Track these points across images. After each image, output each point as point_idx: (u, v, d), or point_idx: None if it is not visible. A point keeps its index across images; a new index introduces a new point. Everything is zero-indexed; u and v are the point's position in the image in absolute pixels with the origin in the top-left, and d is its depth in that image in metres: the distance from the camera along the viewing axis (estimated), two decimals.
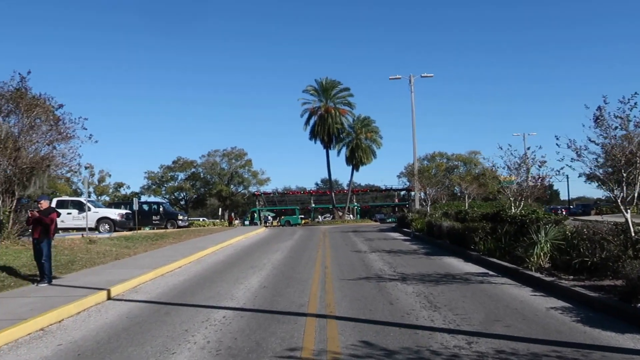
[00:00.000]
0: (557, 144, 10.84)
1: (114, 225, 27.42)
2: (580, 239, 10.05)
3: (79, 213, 27.27)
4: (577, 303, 7.74)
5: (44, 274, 10.75)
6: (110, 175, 77.52)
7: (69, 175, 18.17)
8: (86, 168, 77.05)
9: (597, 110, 10.13)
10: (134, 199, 26.34)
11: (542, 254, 10.48)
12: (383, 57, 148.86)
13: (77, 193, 77.71)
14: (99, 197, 75.91)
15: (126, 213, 28.23)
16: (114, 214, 27.78)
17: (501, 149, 16.53)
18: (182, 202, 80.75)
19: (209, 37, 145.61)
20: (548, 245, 10.56)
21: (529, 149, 16.97)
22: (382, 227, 37.89)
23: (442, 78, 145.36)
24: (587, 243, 9.72)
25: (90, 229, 27.32)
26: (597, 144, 10.10)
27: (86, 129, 17.52)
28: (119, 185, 79.04)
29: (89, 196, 76.80)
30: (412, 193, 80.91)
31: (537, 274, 9.86)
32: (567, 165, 10.94)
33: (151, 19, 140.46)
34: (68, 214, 27.19)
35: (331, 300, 8.56)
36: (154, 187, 77.98)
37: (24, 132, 16.56)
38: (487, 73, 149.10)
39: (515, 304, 7.95)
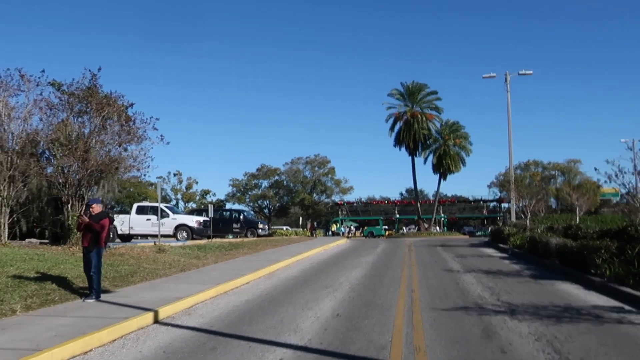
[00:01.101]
0: None
1: (192, 232, 26.77)
2: None
3: (157, 219, 26.87)
4: None
5: (92, 287, 9.59)
6: (197, 183, 79.14)
7: (142, 178, 17.21)
8: (175, 175, 79.49)
9: None
10: (210, 206, 25.53)
11: None
12: (472, 57, 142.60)
13: (167, 199, 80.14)
14: (187, 204, 77.78)
15: (204, 220, 27.51)
16: (192, 221, 27.15)
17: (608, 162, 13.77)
18: (265, 210, 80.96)
19: (292, 45, 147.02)
20: None
21: None
22: (472, 241, 34.95)
23: (536, 77, 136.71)
24: None
25: (169, 236, 26.92)
26: None
27: (157, 129, 16.69)
28: (206, 192, 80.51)
29: (177, 203, 78.97)
30: (504, 205, 76.26)
31: None
32: None
33: (235, 25, 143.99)
34: (147, 220, 26.89)
35: (421, 341, 6.59)
36: (238, 194, 78.68)
37: (95, 132, 15.89)
38: (589, 71, 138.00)
39: None
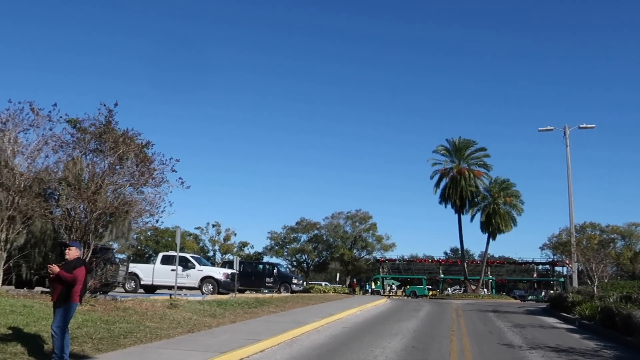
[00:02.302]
0: None
1: (218, 285, 24.80)
2: None
3: (183, 270, 25.07)
4: None
5: (53, 352, 7.66)
6: (235, 234, 77.75)
7: (156, 224, 15.44)
8: (213, 226, 78.46)
9: None
10: (235, 258, 23.63)
11: None
12: (523, 113, 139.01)
13: (204, 250, 78.96)
14: (224, 256, 76.21)
15: (232, 273, 25.53)
16: (219, 273, 25.24)
17: None
18: (304, 265, 78.54)
19: (334, 102, 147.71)
20: None
21: None
22: (526, 307, 31.57)
23: (591, 135, 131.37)
24: None
25: (194, 289, 25.05)
26: None
27: (176, 171, 14.99)
28: (244, 244, 78.95)
29: (214, 254, 77.44)
30: (558, 268, 71.39)
31: None
32: None
33: (281, 81, 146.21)
34: (172, 270, 25.08)
35: None
36: (276, 247, 76.75)
37: (107, 172, 14.36)
38: None
39: None
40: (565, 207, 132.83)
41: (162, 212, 14.88)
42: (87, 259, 14.17)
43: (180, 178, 15.15)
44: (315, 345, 11.48)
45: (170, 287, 25.43)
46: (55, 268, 7.80)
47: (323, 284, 62.19)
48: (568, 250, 61.97)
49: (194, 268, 25.16)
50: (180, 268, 25.05)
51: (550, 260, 71.38)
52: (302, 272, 78.52)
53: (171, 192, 15.40)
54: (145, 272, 25.72)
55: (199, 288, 24.87)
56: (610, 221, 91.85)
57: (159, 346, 9.85)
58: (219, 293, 24.38)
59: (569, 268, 68.77)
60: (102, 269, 15.19)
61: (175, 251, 20.72)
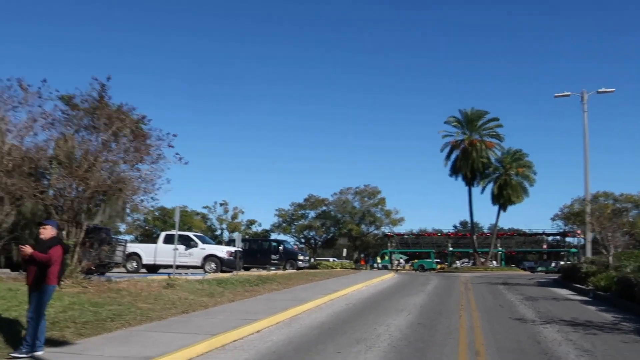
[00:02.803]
0: None
1: (221, 264, 24.27)
2: None
3: (185, 249, 24.59)
4: None
5: (26, 337, 7.09)
6: (243, 212, 77.34)
7: (150, 203, 14.76)
8: (221, 205, 78.08)
9: None
10: (237, 235, 23.08)
11: None
12: (538, 84, 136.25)
13: (212, 229, 78.77)
14: (232, 234, 76.01)
15: (236, 251, 24.97)
16: (222, 251, 24.67)
17: None
18: (312, 242, 78.22)
19: (343, 70, 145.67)
20: None
21: None
22: (537, 278, 30.94)
23: (608, 103, 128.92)
24: None
25: (197, 267, 24.56)
26: None
27: (173, 147, 14.26)
28: (251, 222, 78.61)
29: (222, 233, 77.23)
30: (569, 239, 70.50)
31: None
32: None
33: (285, 50, 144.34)
34: (175, 249, 24.60)
35: None
36: (284, 225, 76.36)
37: (100, 150, 13.67)
38: None
39: None
40: (578, 177, 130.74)
41: (158, 189, 14.18)
42: (80, 239, 13.63)
43: (177, 154, 14.44)
44: (315, 324, 10.87)
45: (170, 267, 25.01)
46: (28, 249, 7.21)
47: (331, 259, 61.88)
48: (580, 220, 61.23)
49: (197, 247, 24.63)
50: (182, 247, 24.58)
51: (561, 231, 70.51)
52: (310, 248, 78.27)
53: (169, 168, 14.73)
54: (147, 251, 25.24)
55: (202, 267, 24.37)
56: (624, 189, 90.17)
57: (148, 329, 9.26)
58: (222, 271, 23.87)
59: (581, 238, 68.04)
60: (97, 249, 14.59)
61: (176, 230, 20.10)
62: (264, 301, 13.94)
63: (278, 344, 8.66)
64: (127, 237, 71.64)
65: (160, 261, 25.12)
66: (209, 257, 24.40)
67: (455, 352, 7.84)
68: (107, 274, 18.39)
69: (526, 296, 17.29)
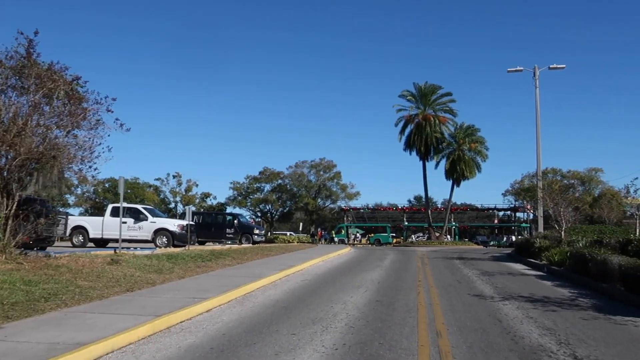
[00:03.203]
0: None
1: (173, 238, 23.40)
2: None
3: (134, 222, 23.58)
4: None
5: None
6: (197, 185, 75.94)
7: (89, 173, 13.70)
8: (174, 177, 76.14)
9: None
10: (188, 208, 22.18)
11: None
12: (491, 59, 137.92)
13: (165, 202, 76.96)
14: (185, 207, 74.43)
15: (188, 224, 24.12)
16: (173, 225, 23.78)
17: None
18: (268, 215, 77.61)
19: (299, 49, 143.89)
20: None
21: None
22: (491, 252, 31.41)
23: (558, 79, 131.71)
24: None
25: (147, 242, 23.63)
26: None
27: (112, 112, 13.25)
28: (206, 195, 77.38)
29: (175, 206, 75.49)
30: (519, 214, 72.38)
31: None
32: None
33: (239, 31, 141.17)
34: (123, 223, 23.53)
35: None
36: (239, 198, 75.39)
37: (30, 113, 12.53)
38: (617, 77, 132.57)
39: None
40: (529, 152, 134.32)
41: (97, 157, 13.18)
42: (12, 211, 12.57)
43: (117, 119, 13.44)
44: (269, 302, 10.33)
45: (123, 241, 23.98)
46: None
47: (288, 233, 61.54)
48: (531, 195, 62.73)
49: (147, 220, 23.66)
50: (131, 220, 23.60)
51: (512, 206, 72.36)
52: (266, 222, 77.68)
53: (109, 135, 13.71)
54: (94, 225, 24.08)
55: (153, 241, 23.46)
56: (570, 167, 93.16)
57: (86, 310, 8.49)
58: (174, 246, 23.06)
59: (530, 214, 69.91)
60: (33, 222, 13.54)
61: (120, 201, 19.08)
62: (216, 278, 13.30)
63: (229, 324, 8.07)
64: (77, 210, 69.24)
65: (108, 235, 24.04)
66: (160, 231, 23.50)
67: (415, 333, 7.45)
68: (49, 249, 17.33)
69: (482, 271, 17.27)
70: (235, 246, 26.35)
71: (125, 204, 26.35)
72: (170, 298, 9.83)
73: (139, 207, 25.17)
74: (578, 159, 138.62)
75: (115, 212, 23.96)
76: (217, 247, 24.28)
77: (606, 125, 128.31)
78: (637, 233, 17.36)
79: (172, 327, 7.83)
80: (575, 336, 7.32)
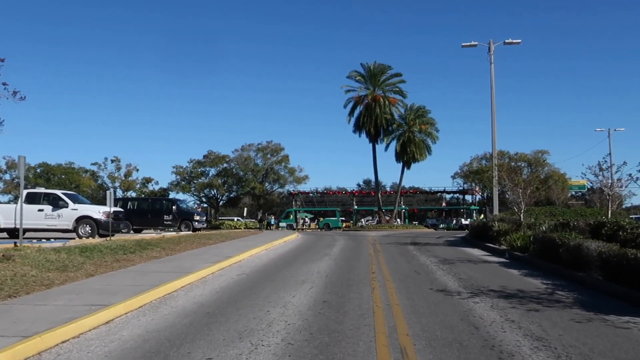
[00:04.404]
0: None
1: (98, 226, 20.85)
2: None
3: (53, 210, 20.88)
4: None
5: None
6: (137, 170, 72.16)
7: None
8: (112, 161, 71.97)
9: None
10: (108, 194, 19.67)
11: None
12: (443, 40, 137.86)
13: (103, 188, 72.78)
14: (126, 193, 70.62)
15: (115, 211, 21.59)
16: (98, 212, 21.17)
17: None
18: (214, 201, 74.80)
19: (245, 21, 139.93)
20: None
21: None
22: (445, 237, 30.29)
23: (515, 55, 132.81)
24: None
25: (68, 231, 20.99)
26: None
27: None
28: (147, 180, 73.70)
29: (115, 192, 71.60)
30: (468, 197, 72.54)
31: None
32: None
33: (188, 17, 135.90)
34: (39, 211, 20.80)
35: None
36: (183, 183, 72.16)
37: None
38: (563, 59, 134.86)
39: None
40: (479, 134, 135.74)
41: None
42: None
43: (5, 84, 10.98)
44: (191, 306, 8.31)
45: (40, 230, 21.25)
46: None
47: (235, 219, 59.09)
48: (479, 178, 62.69)
49: (67, 207, 20.96)
50: (49, 207, 20.97)
51: (461, 189, 72.42)
52: (212, 208, 74.89)
53: None
54: (6, 213, 21.17)
55: (75, 230, 20.84)
56: (518, 149, 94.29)
57: None
58: (100, 235, 20.55)
59: (478, 196, 70.10)
60: None
61: (21, 186, 16.42)
62: (133, 274, 11.14)
63: (125, 345, 6.02)
64: (7, 197, 64.28)
65: (23, 224, 21.17)
66: (83, 219, 20.87)
67: (373, 351, 5.65)
68: None
69: (440, 258, 15.78)
70: (170, 234, 24.00)
71: (42, 189, 23.57)
72: (60, 306, 7.66)
73: (59, 192, 22.37)
74: (525, 142, 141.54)
75: (31, 199, 21.11)
76: (149, 236, 21.86)
77: (552, 108, 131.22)
78: (609, 215, 16.21)
79: (44, 353, 5.73)
80: (576, 349, 5.70)
